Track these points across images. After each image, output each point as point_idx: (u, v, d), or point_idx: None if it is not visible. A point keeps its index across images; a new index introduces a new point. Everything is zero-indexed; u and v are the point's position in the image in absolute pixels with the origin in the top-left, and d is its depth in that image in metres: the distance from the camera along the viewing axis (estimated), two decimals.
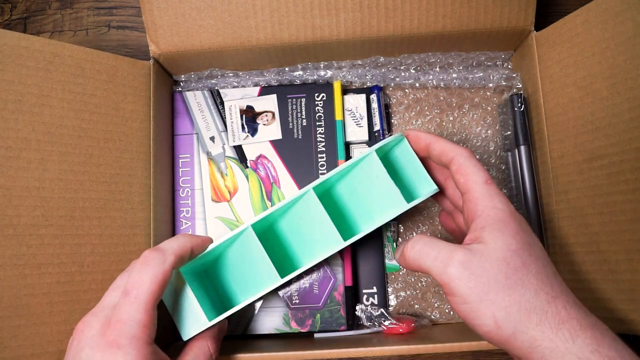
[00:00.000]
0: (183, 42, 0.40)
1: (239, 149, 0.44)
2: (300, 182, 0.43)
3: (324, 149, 0.43)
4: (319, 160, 0.43)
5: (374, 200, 0.36)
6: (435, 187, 0.34)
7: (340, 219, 0.37)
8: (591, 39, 0.35)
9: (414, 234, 0.45)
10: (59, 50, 0.34)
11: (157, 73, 0.42)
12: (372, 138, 0.45)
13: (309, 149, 0.44)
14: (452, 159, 0.31)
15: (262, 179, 0.44)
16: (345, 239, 0.34)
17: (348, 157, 0.45)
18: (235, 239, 0.35)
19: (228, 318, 0.34)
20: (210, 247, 0.34)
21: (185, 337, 0.33)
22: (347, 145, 0.45)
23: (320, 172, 0.43)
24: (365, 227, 0.34)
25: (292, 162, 0.44)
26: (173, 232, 0.44)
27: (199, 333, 0.33)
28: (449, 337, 0.36)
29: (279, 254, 0.37)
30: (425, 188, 0.35)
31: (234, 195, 0.44)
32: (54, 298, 0.33)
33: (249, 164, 0.44)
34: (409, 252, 0.30)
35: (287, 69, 0.45)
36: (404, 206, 0.34)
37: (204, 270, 0.37)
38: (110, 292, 0.31)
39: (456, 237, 0.38)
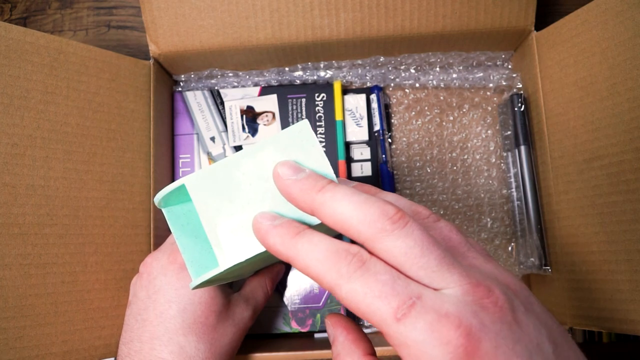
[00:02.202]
0: (183, 42, 0.40)
1: (239, 150, 0.44)
2: None
3: (324, 149, 0.43)
4: None
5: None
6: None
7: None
8: (591, 39, 0.35)
9: None
10: (63, 47, 0.34)
11: (157, 73, 0.42)
12: (372, 138, 0.45)
13: None
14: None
15: None
16: None
17: (348, 157, 0.45)
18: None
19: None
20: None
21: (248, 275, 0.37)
22: (347, 145, 0.45)
23: None
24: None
25: None
26: None
27: (259, 271, 0.37)
28: None
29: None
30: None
31: None
32: (59, 298, 0.33)
33: None
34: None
35: (287, 69, 0.45)
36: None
37: None
38: (170, 237, 0.34)
39: None
